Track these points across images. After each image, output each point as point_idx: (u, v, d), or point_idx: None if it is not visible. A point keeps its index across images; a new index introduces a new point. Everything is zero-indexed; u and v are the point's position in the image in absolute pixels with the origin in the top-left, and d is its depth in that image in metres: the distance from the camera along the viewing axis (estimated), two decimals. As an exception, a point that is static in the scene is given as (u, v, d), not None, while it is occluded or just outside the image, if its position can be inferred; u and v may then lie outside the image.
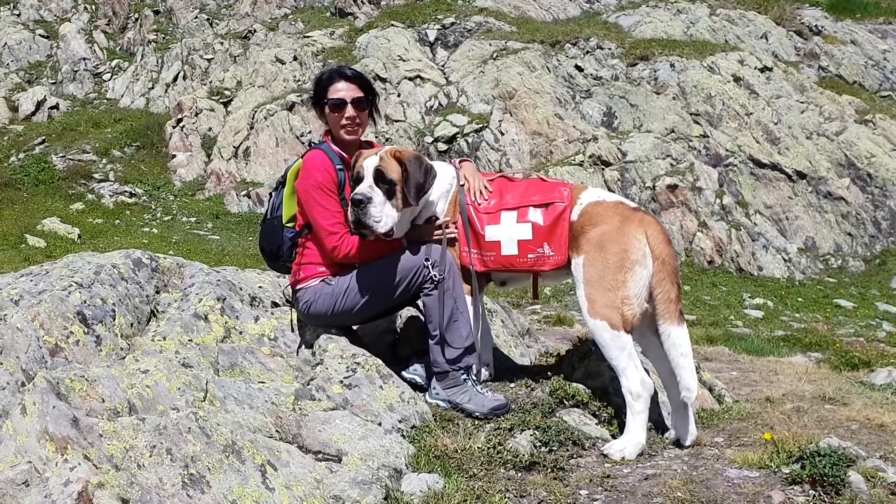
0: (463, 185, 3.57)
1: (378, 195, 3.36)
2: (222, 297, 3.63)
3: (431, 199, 3.55)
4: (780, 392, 4.15)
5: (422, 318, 3.68)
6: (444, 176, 3.60)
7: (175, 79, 22.14)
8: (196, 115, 19.97)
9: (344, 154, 3.72)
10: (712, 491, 2.59)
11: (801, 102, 18.12)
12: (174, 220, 15.83)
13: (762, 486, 2.58)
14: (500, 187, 3.58)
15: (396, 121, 18.16)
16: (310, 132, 19.00)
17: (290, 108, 19.93)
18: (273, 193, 3.97)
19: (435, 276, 3.40)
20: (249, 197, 17.96)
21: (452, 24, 21.19)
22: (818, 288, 14.43)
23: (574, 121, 17.20)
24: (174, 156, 18.73)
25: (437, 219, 3.58)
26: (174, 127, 19.55)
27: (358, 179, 3.41)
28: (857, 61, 20.31)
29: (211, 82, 21.94)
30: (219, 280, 3.76)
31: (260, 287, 3.96)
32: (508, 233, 3.41)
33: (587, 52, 19.55)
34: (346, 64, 21.01)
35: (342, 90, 3.72)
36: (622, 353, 3.14)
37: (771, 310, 12.80)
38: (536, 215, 3.39)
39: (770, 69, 18.74)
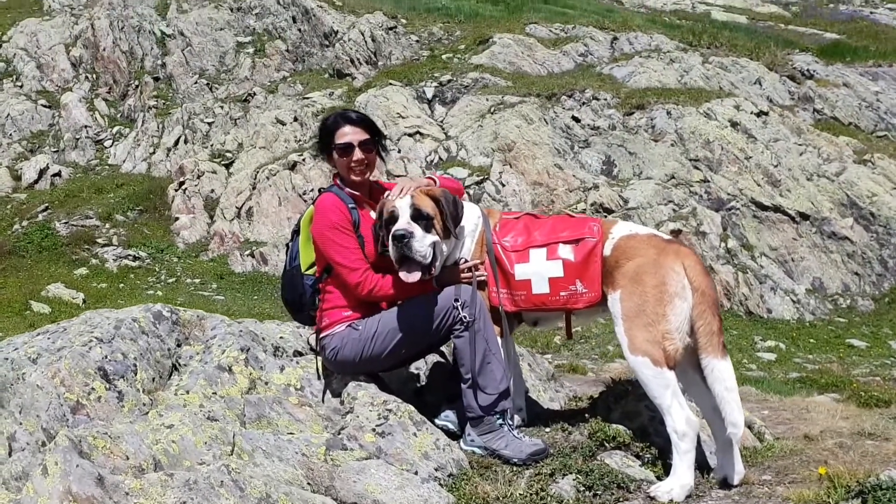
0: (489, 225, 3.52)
1: (418, 230, 3.33)
2: (246, 348, 3.54)
3: (461, 237, 3.51)
4: (817, 429, 4.03)
5: (447, 362, 3.59)
6: (470, 215, 3.56)
7: (176, 143, 22.39)
8: (198, 177, 20.12)
9: (356, 193, 3.71)
10: (772, 530, 2.47)
11: (800, 145, 18.25)
12: (178, 281, 15.78)
13: (823, 524, 2.47)
14: (526, 224, 3.52)
15: (398, 176, 18.25)
16: (312, 190, 19.09)
17: (292, 167, 20.08)
18: (289, 244, 3.93)
19: (465, 317, 3.32)
20: (253, 256, 17.97)
21: (449, 81, 21.50)
22: (829, 328, 14.30)
23: (574, 170, 17.31)
24: (177, 218, 18.80)
25: (465, 260, 3.52)
26: (176, 190, 19.68)
27: (392, 219, 3.38)
28: (851, 103, 20.55)
29: (212, 145, 22.15)
30: (241, 331, 3.68)
31: (281, 337, 3.87)
32: (538, 270, 3.34)
33: (583, 103, 19.79)
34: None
35: (349, 134, 3.72)
36: (666, 391, 3.03)
37: (784, 352, 12.66)
38: (567, 251, 3.32)
39: (766, 113, 18.94)
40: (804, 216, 16.28)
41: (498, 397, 3.35)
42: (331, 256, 3.55)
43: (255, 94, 23.93)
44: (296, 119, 21.57)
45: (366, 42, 24.84)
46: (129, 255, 16.34)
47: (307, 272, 3.71)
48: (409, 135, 19.45)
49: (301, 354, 3.79)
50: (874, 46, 24.66)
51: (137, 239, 17.31)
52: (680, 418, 3.01)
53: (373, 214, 3.74)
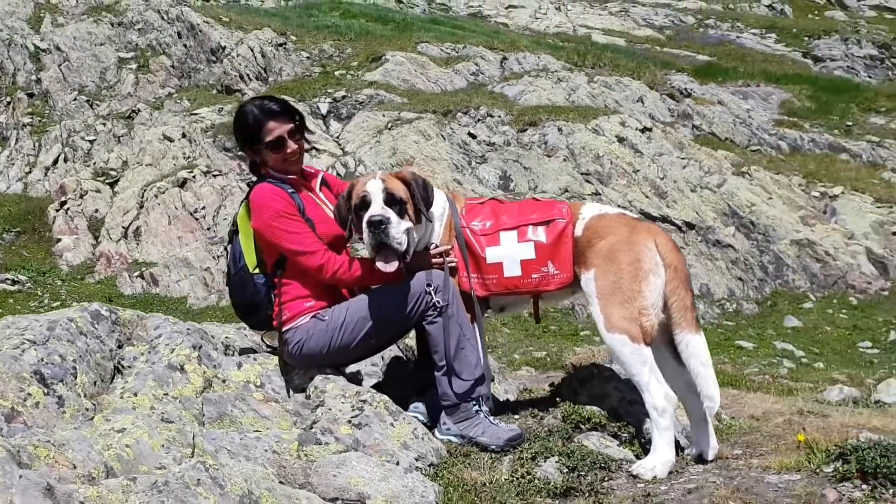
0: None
1: (393, 215, 3.21)
2: (198, 346, 3.31)
3: (431, 222, 3.41)
4: (759, 411, 4.16)
5: (404, 357, 3.48)
6: (438, 200, 3.47)
7: (55, 161, 21.16)
8: (81, 196, 19.08)
9: (291, 178, 3.58)
10: (763, 497, 2.51)
11: (682, 158, 19.13)
12: (63, 305, 14.82)
13: (812, 487, 2.52)
14: (493, 208, 3.47)
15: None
16: (203, 208, 18.51)
17: (182, 184, 19.36)
18: (227, 247, 3.73)
19: (438, 301, 3.22)
20: (143, 278, 17.16)
21: (344, 97, 21.39)
22: (719, 332, 14.97)
23: (472, 185, 17.51)
24: (59, 239, 17.73)
25: (435, 245, 3.42)
26: (57, 210, 18.57)
27: (364, 204, 3.24)
28: (726, 119, 21.75)
29: (95, 163, 21.08)
30: (188, 329, 3.44)
31: (227, 337, 3.65)
32: (510, 253, 3.29)
33: (478, 119, 20.10)
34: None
35: (276, 128, 3.58)
36: (644, 368, 3.04)
37: (679, 355, 13.14)
38: (538, 233, 3.29)
39: (650, 129, 19.77)
40: (690, 225, 17.04)
41: (474, 383, 3.27)
42: (283, 246, 3.38)
43: (139, 110, 22.98)
44: (184, 135, 20.84)
45: (255, 58, 24.37)
46: (8, 279, 15.24)
47: (255, 272, 3.51)
48: (305, 151, 19.15)
49: (254, 351, 3.59)
50: (742, 68, 26.28)
51: (16, 262, 16.19)
52: (659, 394, 3.03)
53: (314, 197, 3.62)
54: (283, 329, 3.41)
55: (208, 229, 18.18)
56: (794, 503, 2.45)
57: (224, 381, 3.21)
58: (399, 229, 3.26)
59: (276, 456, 2.74)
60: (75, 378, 3.03)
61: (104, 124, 22.55)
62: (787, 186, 18.69)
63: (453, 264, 3.38)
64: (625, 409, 3.33)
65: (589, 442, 3.16)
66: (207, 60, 24.68)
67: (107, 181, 19.82)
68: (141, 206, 18.26)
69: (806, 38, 31.66)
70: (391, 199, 3.29)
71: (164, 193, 18.42)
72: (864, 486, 2.49)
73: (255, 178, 3.71)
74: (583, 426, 3.29)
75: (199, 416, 2.97)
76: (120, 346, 3.37)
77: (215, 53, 24.44)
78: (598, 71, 23.48)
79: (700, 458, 3.19)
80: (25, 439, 2.69)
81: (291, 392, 3.32)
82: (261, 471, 2.69)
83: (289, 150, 3.59)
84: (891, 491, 2.44)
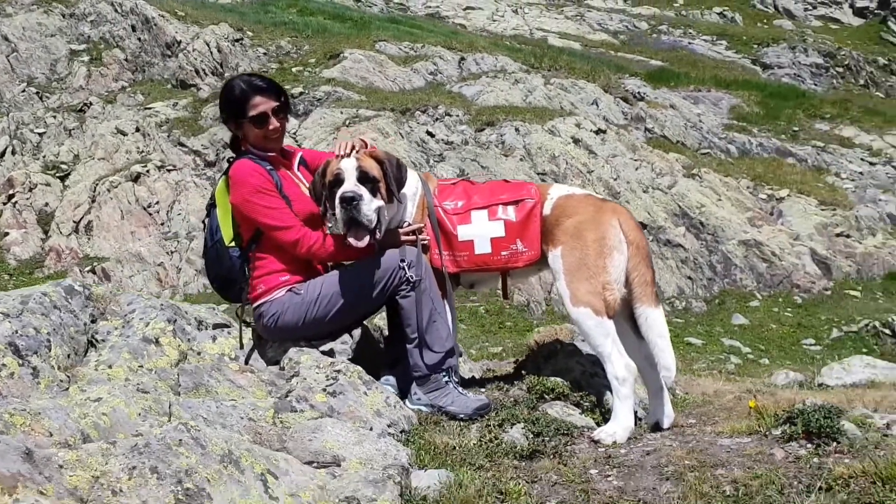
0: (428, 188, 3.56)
1: (366, 193, 3.30)
2: (172, 320, 3.36)
3: (404, 200, 3.52)
4: (710, 390, 4.36)
5: (375, 334, 3.58)
6: (410, 180, 3.58)
7: (2, 154, 20.68)
8: (30, 190, 18.69)
9: (271, 155, 3.66)
10: (716, 457, 2.67)
11: (635, 160, 19.50)
12: (12, 299, 14.53)
13: (761, 447, 2.69)
14: (465, 189, 3.59)
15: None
16: (157, 202, 18.30)
17: (136, 179, 19.10)
18: (205, 221, 3.79)
19: (412, 276, 3.33)
20: (94, 273, 16.89)
21: (301, 93, 21.31)
22: (669, 328, 15.35)
23: (430, 182, 17.60)
24: (7, 233, 17.36)
25: (408, 223, 3.53)
26: (5, 203, 18.17)
27: (338, 182, 3.33)
28: (678, 123, 22.22)
29: (44, 156, 20.65)
30: (162, 305, 3.49)
31: (199, 314, 3.70)
32: (480, 231, 3.42)
33: (436, 119, 20.21)
34: (194, 133, 20.56)
35: (261, 104, 3.66)
36: (607, 339, 3.19)
37: (630, 350, 13.44)
38: (508, 212, 3.42)
39: (604, 131, 20.11)
40: (643, 225, 17.36)
41: (444, 355, 3.39)
42: (260, 221, 3.46)
43: (91, 103, 22.57)
44: (138, 129, 20.54)
45: (211, 53, 24.13)
46: (-47, 272, 14.87)
47: (231, 245, 3.59)
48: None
49: (227, 326, 3.65)
50: (693, 73, 26.86)
51: (-39, 255, 15.80)
52: (620, 364, 3.18)
53: (291, 175, 3.70)
54: (259, 302, 3.49)
55: (162, 224, 17.97)
56: (744, 462, 2.62)
57: (199, 354, 3.27)
58: (371, 207, 3.36)
59: (253, 423, 2.81)
60: (49, 350, 3.06)
61: (54, 117, 22.11)
62: (735, 189, 19.19)
63: (426, 241, 3.50)
64: (586, 381, 3.48)
65: (553, 410, 3.31)
66: (162, 55, 24.34)
67: (57, 175, 19.43)
68: (93, 201, 17.97)
69: (755, 46, 32.50)
70: (364, 177, 3.38)
71: (117, 188, 18.15)
72: (808, 445, 2.67)
73: (234, 156, 3.77)
74: (547, 396, 3.44)
75: (174, 386, 3.03)
76: (93, 321, 3.40)
77: (170, 48, 24.12)
78: (554, 73, 23.78)
79: (657, 427, 3.36)
80: (1, 408, 2.72)
81: (266, 365, 3.40)
82: (237, 437, 2.76)
83: (271, 127, 3.67)
84: (832, 447, 2.63)
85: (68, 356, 3.15)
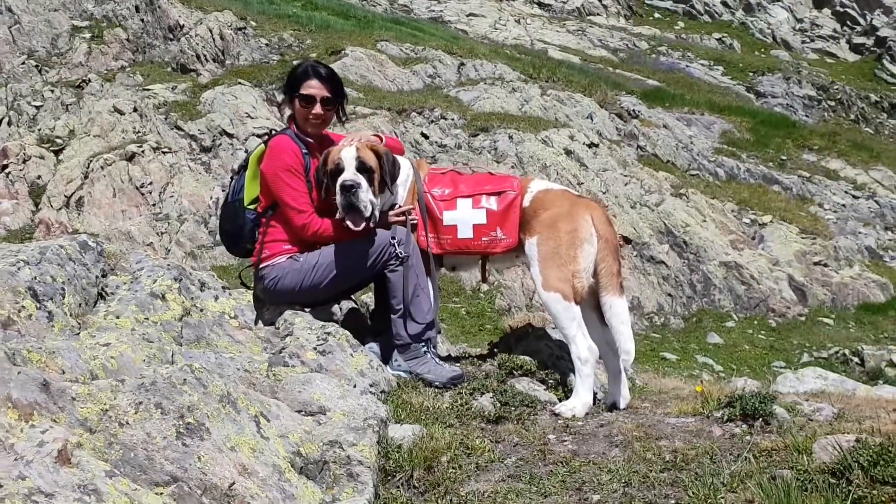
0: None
1: (363, 182, 3.61)
2: (178, 279, 3.64)
3: (396, 186, 3.83)
4: (669, 387, 4.66)
5: (362, 309, 3.88)
6: (403, 167, 3.89)
7: (-1, 124, 20.77)
8: (24, 161, 18.79)
9: (310, 141, 3.93)
10: (662, 431, 2.98)
11: (625, 176, 19.85)
12: None
13: (703, 426, 3.00)
14: (453, 178, 3.90)
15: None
16: (150, 183, 18.46)
17: (130, 158, 19.22)
18: (234, 178, 4.10)
19: (401, 252, 3.64)
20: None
21: (301, 86, 21.46)
22: (646, 342, 15.64)
23: (422, 183, 17.84)
24: (-1, 202, 17.45)
25: (399, 206, 3.84)
26: (-1, 172, 18.25)
27: (338, 170, 3.64)
28: (669, 143, 22.61)
29: (40, 129, 20.76)
30: (169, 265, 3.77)
31: (201, 277, 3.98)
32: (464, 217, 3.73)
33: (432, 121, 20.49)
34: (191, 117, 20.73)
35: (314, 87, 3.97)
36: (572, 323, 3.50)
37: (605, 362, 13.75)
38: (490, 202, 3.74)
39: (597, 145, 20.45)
40: (627, 240, 17.71)
41: (425, 327, 3.69)
42: (280, 196, 3.77)
43: (90, 80, 22.69)
44: (135, 110, 20.67)
45: (214, 39, 24.29)
46: (-56, 236, 15.00)
47: (249, 206, 3.90)
48: (258, 135, 19.24)
49: (228, 289, 3.94)
50: (689, 95, 27.27)
51: (-48, 221, 15.93)
52: (583, 346, 3.49)
53: None
54: (262, 265, 3.80)
55: (153, 205, 18.11)
56: (686, 436, 2.93)
57: (202, 311, 3.55)
58: (368, 195, 3.67)
59: (248, 374, 3.09)
60: (63, 298, 3.33)
61: (52, 91, 22.23)
62: (720, 211, 19.55)
63: (415, 221, 3.81)
64: (553, 362, 3.78)
65: (520, 385, 3.61)
66: (164, 37, 24.51)
67: (52, 148, 19.55)
68: (86, 177, 18.10)
69: (751, 74, 33.00)
70: (362, 167, 3.69)
71: (111, 166, 18.29)
72: (744, 425, 2.99)
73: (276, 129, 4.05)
74: (515, 372, 3.75)
75: (177, 338, 3.31)
76: (104, 276, 3.68)
77: (173, 31, 24.29)
78: (551, 85, 24.11)
79: (613, 406, 3.67)
80: (20, 344, 2.99)
81: (262, 324, 3.69)
82: (232, 387, 3.03)
83: (314, 111, 3.95)
84: (763, 427, 2.95)
85: (80, 305, 3.42)
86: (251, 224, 3.89)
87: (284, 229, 3.83)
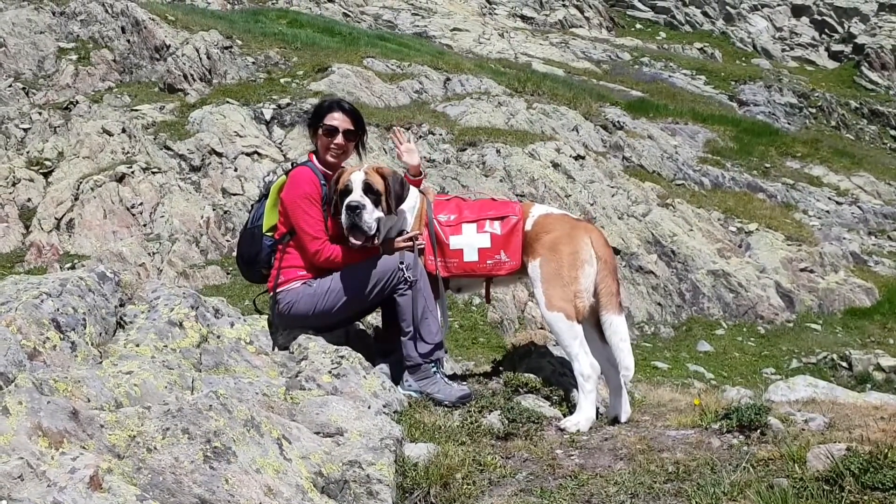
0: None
1: (369, 203, 3.78)
2: (195, 306, 3.77)
3: (403, 212, 4.00)
4: (666, 398, 4.82)
5: (370, 333, 4.03)
6: (412, 195, 4.06)
7: (-13, 147, 20.75)
8: (13, 184, 18.82)
9: (328, 172, 4.11)
10: (663, 443, 3.13)
11: (612, 187, 20.09)
12: (-6, 291, 14.66)
13: (702, 437, 3.16)
14: (458, 204, 4.08)
15: (234, 194, 18.12)
16: (141, 203, 18.50)
17: (120, 179, 19.29)
18: (255, 205, 4.27)
19: (409, 277, 3.80)
20: (75, 269, 17.02)
21: (288, 104, 21.65)
22: (637, 352, 15.71)
23: (412, 198, 17.97)
24: (-11, 226, 17.43)
25: (406, 232, 4.01)
26: (-12, 196, 18.23)
27: (346, 191, 3.81)
28: (654, 153, 22.88)
29: (28, 152, 20.79)
30: (185, 293, 3.90)
31: (215, 304, 4.12)
32: (470, 241, 3.90)
33: (420, 136, 20.66)
34: (180, 137, 20.77)
35: (337, 119, 4.18)
36: (575, 341, 3.66)
37: (598, 371, 13.89)
38: (494, 227, 3.91)
39: (583, 157, 20.68)
40: (616, 251, 17.91)
41: (434, 347, 3.86)
42: (297, 222, 3.94)
43: (77, 102, 22.74)
44: (124, 130, 20.74)
45: (200, 59, 24.40)
46: (-65, 262, 14.99)
47: (267, 233, 4.08)
48: (247, 154, 19.38)
49: (242, 315, 4.07)
50: (672, 105, 27.58)
51: (-58, 248, 15.91)
52: (585, 363, 3.66)
53: None
54: (278, 290, 3.97)
55: (144, 225, 18.14)
56: (687, 448, 3.08)
57: (219, 337, 3.69)
58: (372, 216, 3.85)
59: (266, 398, 3.22)
60: (85, 328, 3.45)
61: (40, 113, 22.26)
62: (707, 220, 19.79)
63: (422, 246, 3.98)
64: (556, 379, 3.94)
65: (526, 402, 3.77)
66: (151, 58, 24.60)
67: (41, 171, 19.58)
68: (76, 199, 18.14)
69: (733, 83, 33.41)
70: (368, 189, 3.87)
71: (101, 187, 18.34)
72: (741, 436, 3.15)
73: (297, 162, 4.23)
74: (521, 390, 3.91)
75: (197, 364, 3.43)
76: (122, 305, 3.80)
77: (159, 51, 24.39)
78: (536, 98, 24.35)
79: (615, 420, 3.83)
80: (46, 374, 3.11)
81: (276, 349, 3.83)
82: (256, 407, 3.17)
83: (335, 142, 4.17)
84: (759, 437, 3.11)
85: (100, 334, 3.54)
86: (268, 250, 4.08)
87: (300, 256, 4.00)
